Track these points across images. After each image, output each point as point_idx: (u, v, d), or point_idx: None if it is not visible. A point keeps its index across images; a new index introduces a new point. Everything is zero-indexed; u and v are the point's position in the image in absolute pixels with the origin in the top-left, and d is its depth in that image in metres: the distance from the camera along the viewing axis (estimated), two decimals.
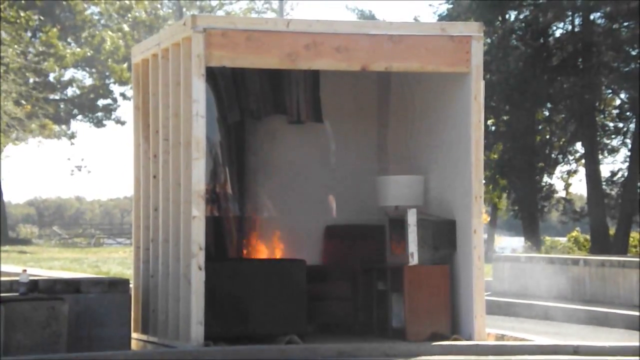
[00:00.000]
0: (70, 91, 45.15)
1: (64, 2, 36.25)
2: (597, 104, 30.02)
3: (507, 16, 30.89)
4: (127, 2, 36.48)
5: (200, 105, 9.75)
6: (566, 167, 32.36)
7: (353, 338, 10.76)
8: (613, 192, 30.51)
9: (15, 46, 32.20)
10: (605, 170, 31.49)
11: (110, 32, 36.95)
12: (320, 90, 11.62)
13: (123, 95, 45.42)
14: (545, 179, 31.84)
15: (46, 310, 9.05)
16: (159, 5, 39.23)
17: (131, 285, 10.73)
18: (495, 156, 30.68)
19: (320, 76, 11.55)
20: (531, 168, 30.58)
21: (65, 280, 9.90)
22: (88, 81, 44.36)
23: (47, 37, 34.61)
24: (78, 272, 22.39)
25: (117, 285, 9.79)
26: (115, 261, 29.31)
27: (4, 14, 31.16)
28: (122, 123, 46.90)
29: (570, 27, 30.22)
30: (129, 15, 37.66)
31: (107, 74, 42.07)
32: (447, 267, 10.53)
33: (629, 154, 30.01)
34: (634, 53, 28.81)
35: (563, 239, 35.24)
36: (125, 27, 37.70)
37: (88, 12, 37.40)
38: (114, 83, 43.37)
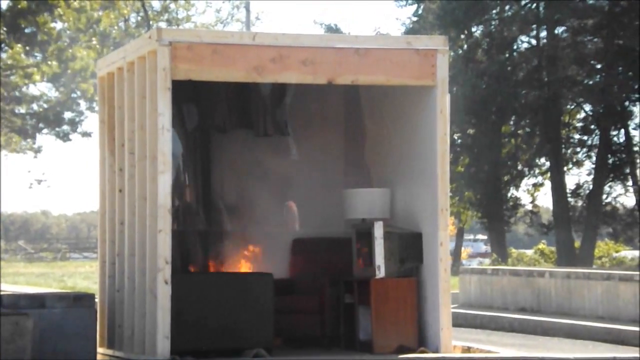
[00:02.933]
0: (36, 105, 44.88)
1: (30, 17, 36.02)
2: (561, 117, 30.23)
3: (472, 30, 31.08)
4: (95, 13, 36.25)
5: (166, 119, 9.73)
6: (532, 180, 32.57)
7: (320, 351, 10.76)
8: (578, 205, 30.72)
9: None
10: (570, 183, 31.69)
11: (80, 49, 36.75)
12: (287, 104, 11.62)
13: (90, 107, 45.19)
14: (512, 191, 32.01)
15: (10, 325, 8.97)
16: (124, 19, 39.04)
17: (97, 300, 10.67)
18: (461, 169, 30.81)
19: (286, 89, 11.56)
20: (497, 181, 30.74)
21: (30, 295, 9.82)
22: (54, 94, 44.11)
23: (13, 52, 34.41)
24: (43, 287, 22.24)
25: (82, 300, 9.72)
26: (81, 276, 29.15)
27: None
28: (89, 135, 46.63)
29: (535, 41, 30.44)
30: (96, 27, 37.45)
31: (74, 87, 41.89)
32: (413, 280, 10.55)
33: (593, 166, 30.23)
34: (598, 67, 29.06)
35: (529, 252, 35.43)
36: (93, 41, 37.51)
37: (55, 27, 37.15)
38: (80, 98, 43.18)
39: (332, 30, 33.55)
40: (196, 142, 11.53)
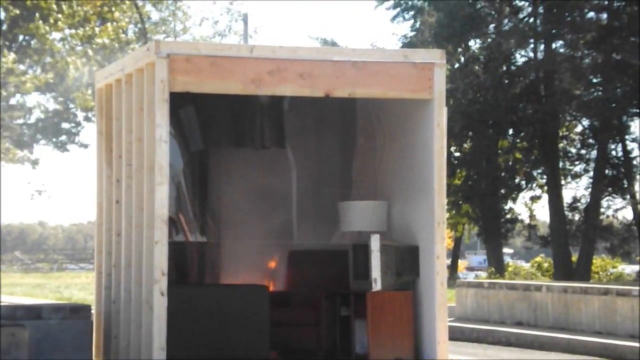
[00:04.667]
0: (33, 116, 44.89)
1: (21, 25, 36.08)
2: (559, 130, 30.29)
3: (470, 44, 31.15)
4: (93, 27, 36.33)
5: (164, 130, 9.73)
6: (530, 193, 32.62)
7: None
8: (575, 218, 30.74)
9: None
10: (567, 196, 31.71)
11: (74, 58, 36.78)
12: (284, 116, 11.64)
13: (87, 118, 45.19)
14: (509, 204, 32.05)
15: (6, 336, 8.95)
16: (121, 31, 39.13)
17: (93, 311, 10.66)
18: (458, 182, 30.84)
19: (284, 102, 11.58)
20: (494, 194, 30.77)
21: (26, 307, 9.81)
22: (51, 106, 44.12)
23: (6, 62, 34.42)
24: (40, 298, 22.24)
25: (78, 311, 9.72)
26: (78, 287, 29.15)
27: None
28: (85, 146, 46.64)
29: (532, 55, 30.50)
30: (93, 41, 37.53)
31: (71, 97, 41.92)
32: (410, 293, 10.54)
33: (591, 180, 30.27)
34: (595, 81, 29.12)
35: (527, 265, 35.43)
36: (90, 52, 37.56)
37: (51, 37, 37.19)
38: (77, 109, 43.21)
39: (329, 44, 33.63)
40: (193, 154, 11.53)
